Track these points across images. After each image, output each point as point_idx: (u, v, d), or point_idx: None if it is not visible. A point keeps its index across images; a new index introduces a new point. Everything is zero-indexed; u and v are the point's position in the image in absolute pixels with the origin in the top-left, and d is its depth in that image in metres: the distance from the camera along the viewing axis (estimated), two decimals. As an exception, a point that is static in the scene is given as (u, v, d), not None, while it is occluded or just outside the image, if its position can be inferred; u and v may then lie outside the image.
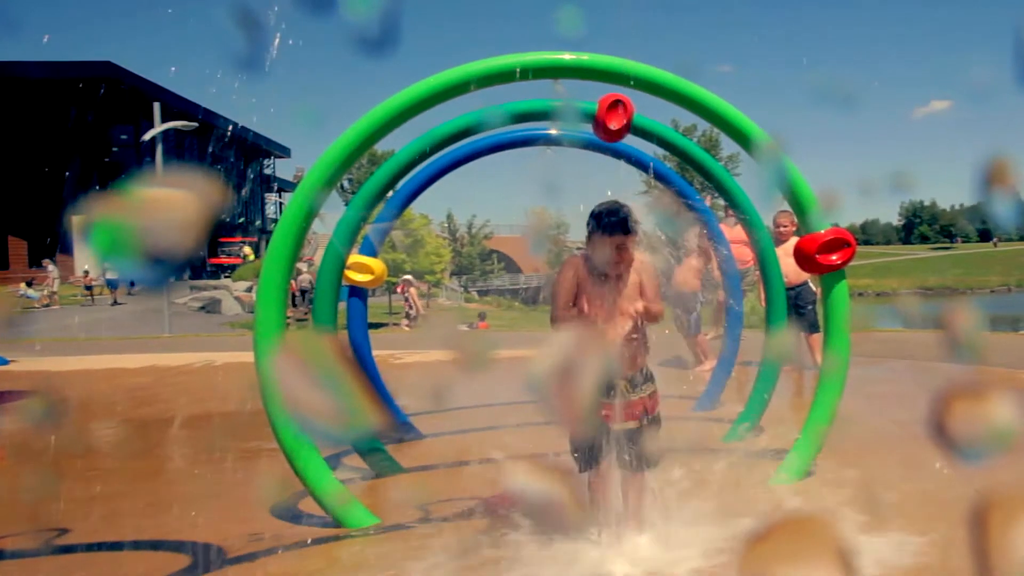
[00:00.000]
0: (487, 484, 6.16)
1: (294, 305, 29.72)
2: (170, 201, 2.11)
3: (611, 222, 4.64)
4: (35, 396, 9.97)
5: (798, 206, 5.96)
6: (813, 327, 11.19)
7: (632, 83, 5.61)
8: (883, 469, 6.35)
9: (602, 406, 4.59)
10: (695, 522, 5.23)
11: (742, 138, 5.86)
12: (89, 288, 41.09)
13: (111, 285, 39.15)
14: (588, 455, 4.67)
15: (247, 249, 53.85)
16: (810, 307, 11.30)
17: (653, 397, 4.79)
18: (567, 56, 5.46)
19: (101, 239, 2.02)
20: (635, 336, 4.70)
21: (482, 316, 37.35)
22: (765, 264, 7.64)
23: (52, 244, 48.54)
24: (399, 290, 30.84)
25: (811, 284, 11.21)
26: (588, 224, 4.75)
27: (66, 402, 11.14)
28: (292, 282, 31.11)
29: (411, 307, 30.97)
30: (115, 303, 38.39)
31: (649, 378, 4.79)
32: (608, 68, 5.54)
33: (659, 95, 5.69)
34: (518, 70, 5.38)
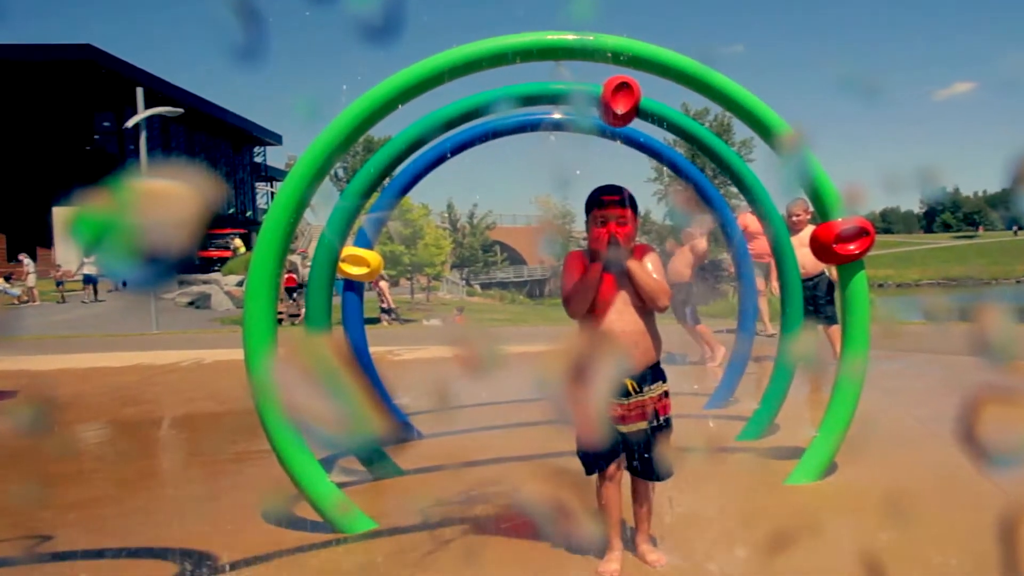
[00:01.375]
0: (489, 488, 6.17)
1: (291, 299, 29.79)
2: (160, 197, 2.11)
3: (602, 198, 4.61)
4: (16, 398, 9.99)
5: (820, 201, 5.94)
6: (831, 319, 11.19)
7: (652, 69, 5.59)
8: (905, 469, 6.34)
9: (609, 406, 4.46)
10: (707, 524, 5.23)
11: (762, 128, 5.83)
12: (60, 284, 40.73)
13: (88, 281, 38.76)
14: (595, 457, 4.64)
15: (237, 241, 53.81)
16: (828, 299, 11.31)
17: (664, 399, 4.64)
18: (570, 37, 5.43)
19: (86, 235, 2.02)
20: (644, 330, 4.62)
21: (460, 310, 37.33)
22: (780, 255, 7.63)
23: (31, 237, 48.59)
24: (373, 285, 31.01)
25: (828, 275, 11.21)
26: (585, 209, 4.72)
27: (48, 404, 11.16)
28: (293, 275, 31.20)
29: (382, 301, 31.12)
30: (95, 300, 38.09)
31: (660, 377, 4.66)
32: (623, 51, 5.52)
33: (675, 80, 5.67)
34: (511, 53, 5.36)
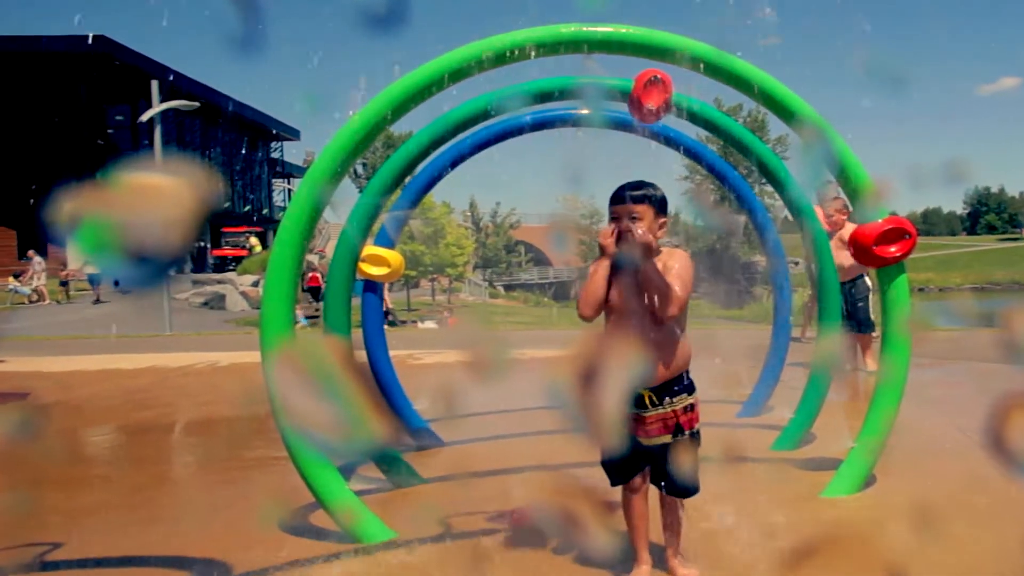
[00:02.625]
0: (511, 496, 6.16)
1: (317, 300, 29.95)
2: (161, 193, 2.10)
3: (618, 193, 4.55)
4: (24, 401, 10.05)
5: (851, 191, 5.92)
6: (866, 325, 11.12)
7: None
8: (947, 481, 6.29)
9: (628, 418, 4.38)
10: (741, 538, 5.21)
11: (789, 117, 5.81)
12: (65, 283, 40.70)
13: (93, 281, 38.43)
14: (616, 469, 4.59)
15: (253, 240, 54.02)
16: (861, 304, 11.23)
17: (691, 411, 4.52)
18: (600, 29, 5.42)
19: (87, 234, 2.01)
20: (663, 340, 4.46)
21: (450, 312, 37.36)
22: (817, 256, 7.59)
23: (41, 234, 48.86)
24: None
25: (867, 278, 11.14)
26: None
27: (56, 407, 11.23)
28: (316, 275, 31.27)
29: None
30: (97, 301, 37.79)
31: (687, 388, 4.54)
32: (645, 42, 5.51)
33: (701, 71, 5.65)
34: (533, 46, 5.35)
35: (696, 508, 4.93)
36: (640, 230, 4.40)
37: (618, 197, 4.53)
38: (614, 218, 4.53)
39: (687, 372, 4.59)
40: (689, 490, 4.58)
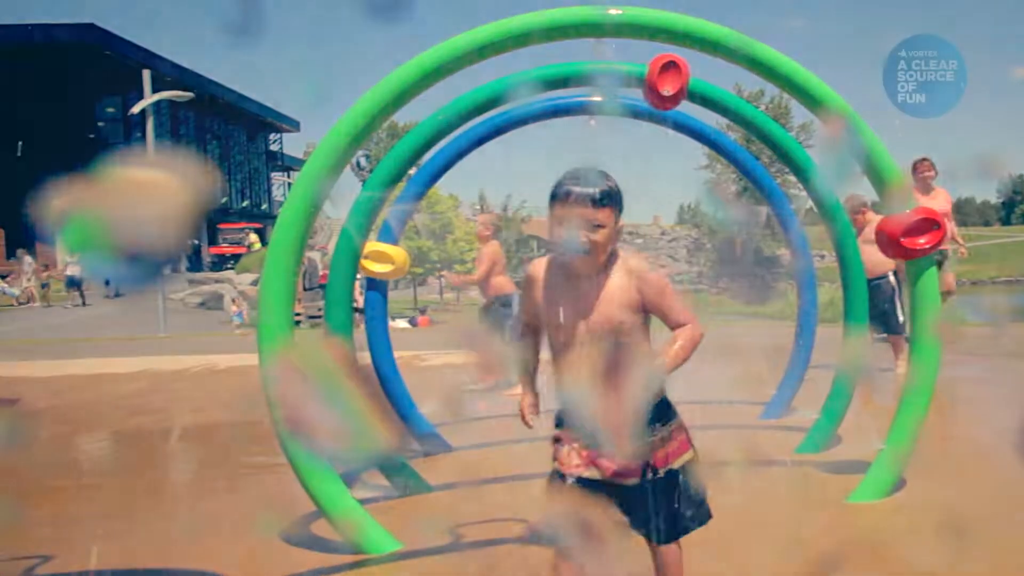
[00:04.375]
0: (522, 504, 6.15)
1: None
2: (155, 189, 2.10)
3: (569, 191, 3.61)
4: (13, 408, 10.07)
5: (880, 182, 5.89)
6: (895, 327, 11.07)
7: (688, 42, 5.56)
8: (980, 485, 6.27)
9: (587, 458, 3.80)
10: (763, 546, 5.20)
11: (814, 103, 5.79)
12: (45, 285, 40.46)
13: (72, 284, 37.79)
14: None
15: (252, 236, 54.02)
16: (888, 305, 11.17)
17: (669, 442, 3.77)
18: (612, 11, 5.41)
19: (77, 232, 2.01)
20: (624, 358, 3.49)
21: (423, 311, 37.20)
22: (842, 252, 7.56)
23: (30, 233, 48.98)
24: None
25: (891, 278, 11.09)
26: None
27: (46, 413, 11.25)
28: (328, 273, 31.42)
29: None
30: (82, 304, 37.39)
31: (660, 417, 3.72)
32: (657, 24, 5.50)
33: (719, 55, 5.63)
34: (540, 29, 5.35)
35: (718, 515, 4.92)
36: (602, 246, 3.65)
37: (570, 197, 3.61)
38: (562, 223, 3.62)
39: (663, 396, 3.79)
40: (667, 534, 3.85)
